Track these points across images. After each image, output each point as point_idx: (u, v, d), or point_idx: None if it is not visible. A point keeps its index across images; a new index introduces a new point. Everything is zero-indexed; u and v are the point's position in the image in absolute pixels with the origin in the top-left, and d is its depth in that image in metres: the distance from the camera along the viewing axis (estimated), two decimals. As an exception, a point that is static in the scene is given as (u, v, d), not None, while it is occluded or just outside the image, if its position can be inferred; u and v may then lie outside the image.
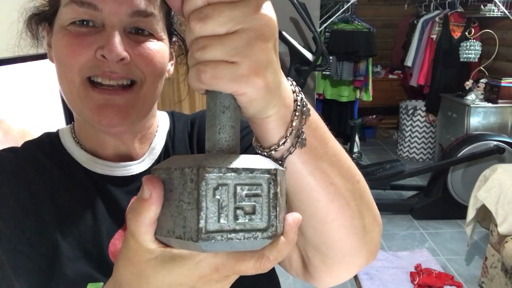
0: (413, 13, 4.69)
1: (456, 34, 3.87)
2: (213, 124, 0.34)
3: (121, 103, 0.47)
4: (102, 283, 0.44)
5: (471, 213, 2.30)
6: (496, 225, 2.07)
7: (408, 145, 4.39)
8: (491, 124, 3.37)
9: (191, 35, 0.31)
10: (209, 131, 0.34)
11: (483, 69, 3.60)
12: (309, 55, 2.78)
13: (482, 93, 3.48)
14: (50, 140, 0.55)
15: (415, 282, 2.18)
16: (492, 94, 3.38)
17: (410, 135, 4.35)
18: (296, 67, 2.82)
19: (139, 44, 0.47)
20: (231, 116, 0.34)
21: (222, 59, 0.30)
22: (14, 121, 1.37)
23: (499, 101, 3.33)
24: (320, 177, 0.40)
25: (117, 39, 0.45)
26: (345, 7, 3.78)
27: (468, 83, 3.56)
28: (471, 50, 3.52)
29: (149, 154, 0.57)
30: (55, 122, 1.66)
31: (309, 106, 0.39)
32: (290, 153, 0.38)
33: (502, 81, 3.30)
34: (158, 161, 0.56)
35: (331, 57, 3.60)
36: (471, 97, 3.48)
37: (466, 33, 3.70)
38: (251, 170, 0.31)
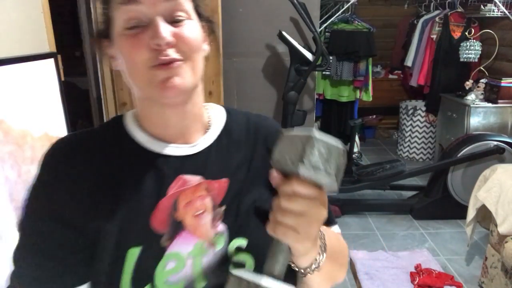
0: (413, 13, 4.69)
1: (456, 34, 3.87)
2: (275, 257, 0.52)
3: (180, 72, 0.56)
4: (141, 247, 0.54)
5: (471, 213, 2.30)
6: (496, 225, 2.07)
7: (408, 145, 4.39)
8: (491, 124, 3.37)
9: (278, 203, 0.49)
10: (269, 260, 0.52)
11: (483, 69, 3.60)
12: (309, 55, 2.78)
13: (482, 93, 3.48)
14: (116, 123, 0.65)
15: (415, 282, 2.18)
16: (492, 94, 3.38)
17: (410, 135, 4.35)
18: (296, 67, 2.82)
19: (178, 28, 0.56)
20: (286, 256, 0.53)
21: (291, 226, 0.49)
22: (14, 121, 1.37)
23: (499, 101, 3.33)
24: (326, 278, 0.62)
25: (162, 27, 0.53)
26: (345, 7, 3.77)
27: (468, 83, 3.56)
28: (471, 50, 3.52)
29: (202, 140, 0.64)
30: (55, 122, 1.66)
31: (326, 242, 0.59)
32: (310, 273, 0.57)
33: (502, 81, 3.30)
34: (209, 148, 0.64)
35: (331, 57, 3.60)
36: (471, 97, 3.48)
37: (466, 33, 3.70)
38: None
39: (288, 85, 2.82)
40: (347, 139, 3.99)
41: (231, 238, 0.60)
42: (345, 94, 4.04)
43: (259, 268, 0.55)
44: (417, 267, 2.31)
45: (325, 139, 0.50)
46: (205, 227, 0.59)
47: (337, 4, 3.93)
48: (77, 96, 4.39)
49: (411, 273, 2.27)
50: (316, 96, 3.66)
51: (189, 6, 0.58)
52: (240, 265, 0.59)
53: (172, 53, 0.55)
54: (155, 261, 0.55)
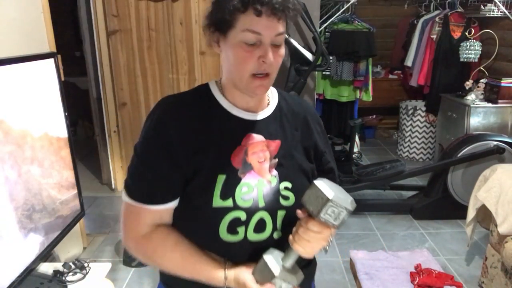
0: (413, 13, 4.69)
1: (456, 34, 3.87)
2: (288, 255, 0.80)
3: (266, 84, 0.82)
4: (225, 175, 0.81)
5: (471, 213, 2.30)
6: (496, 225, 2.07)
7: (408, 145, 4.39)
8: (491, 124, 3.37)
9: (297, 230, 0.78)
10: (285, 256, 0.80)
11: (483, 69, 3.60)
12: (309, 55, 2.78)
13: (482, 93, 3.48)
14: (205, 90, 0.89)
15: (415, 282, 2.18)
16: (492, 94, 3.38)
17: (410, 135, 4.35)
18: (296, 67, 2.82)
19: (275, 53, 0.80)
20: (295, 257, 0.80)
21: (302, 244, 0.78)
22: (14, 121, 1.37)
23: (499, 101, 3.33)
24: None
25: (270, 52, 0.78)
26: (345, 7, 3.78)
27: (468, 83, 3.56)
28: (471, 50, 3.52)
29: (264, 112, 0.89)
30: (55, 122, 1.65)
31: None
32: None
33: (502, 81, 3.30)
34: (268, 118, 0.89)
35: (331, 57, 3.60)
36: (471, 97, 3.48)
37: (466, 33, 3.70)
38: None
39: (288, 85, 2.82)
40: (347, 139, 4.00)
41: (280, 180, 0.86)
42: (345, 94, 4.04)
43: (297, 202, 0.82)
44: (417, 267, 2.31)
45: (340, 201, 0.73)
46: (265, 170, 0.86)
47: (337, 4, 3.93)
48: (77, 96, 4.40)
49: (411, 273, 2.27)
50: (316, 96, 3.67)
51: (284, 36, 0.81)
52: (284, 204, 0.86)
53: (267, 69, 0.80)
54: (235, 184, 0.82)
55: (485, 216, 2.36)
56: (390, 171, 3.03)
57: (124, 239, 0.85)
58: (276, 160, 0.86)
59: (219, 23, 0.80)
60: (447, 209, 3.03)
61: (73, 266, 1.71)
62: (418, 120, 4.26)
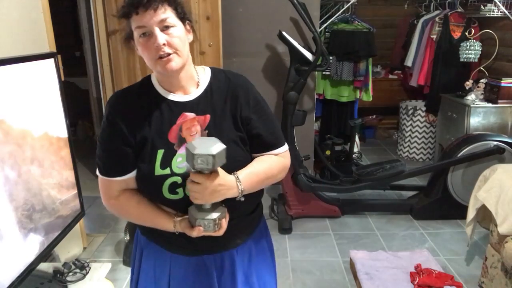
0: (413, 13, 4.68)
1: (456, 34, 3.87)
2: (206, 208, 0.98)
3: (172, 59, 0.98)
4: (164, 149, 1.00)
5: (471, 213, 2.30)
6: (496, 225, 2.07)
7: (408, 145, 4.39)
8: (491, 124, 3.37)
9: (188, 184, 0.96)
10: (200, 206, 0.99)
11: (483, 69, 3.60)
12: (309, 55, 2.77)
13: (482, 93, 3.48)
14: (147, 81, 1.08)
15: (415, 282, 2.18)
16: (492, 94, 3.38)
17: (410, 135, 4.35)
18: (296, 67, 2.82)
19: (168, 34, 0.97)
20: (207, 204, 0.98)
21: (193, 195, 0.95)
22: (14, 121, 1.37)
23: (499, 101, 3.32)
24: (260, 187, 1.10)
25: (159, 36, 0.96)
26: (345, 7, 3.77)
27: (468, 83, 3.55)
28: (471, 50, 3.52)
29: (195, 92, 1.07)
30: (55, 122, 1.65)
31: (243, 183, 1.00)
32: (241, 199, 1.03)
33: (502, 81, 3.29)
34: (199, 97, 1.06)
35: (331, 57, 3.60)
36: (471, 97, 3.48)
37: (466, 33, 3.70)
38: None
39: (288, 85, 2.82)
40: (347, 139, 4.00)
41: None
42: (345, 94, 4.03)
43: (225, 167, 0.98)
44: (417, 267, 2.31)
45: (203, 151, 0.89)
46: None
47: (337, 4, 3.92)
48: (77, 96, 4.40)
49: (411, 273, 2.27)
50: (316, 96, 3.67)
51: (173, 19, 0.98)
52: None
53: (167, 50, 0.97)
54: (171, 156, 1.00)
55: (485, 216, 2.36)
56: (390, 171, 3.03)
57: (104, 204, 1.09)
58: (206, 131, 1.03)
59: (127, 33, 1.02)
60: (447, 209, 3.03)
61: (73, 266, 1.71)
62: (418, 120, 4.26)
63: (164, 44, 0.95)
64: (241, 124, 1.06)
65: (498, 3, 3.40)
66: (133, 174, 1.04)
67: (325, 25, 3.80)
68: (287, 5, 2.70)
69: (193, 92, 1.06)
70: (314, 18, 2.86)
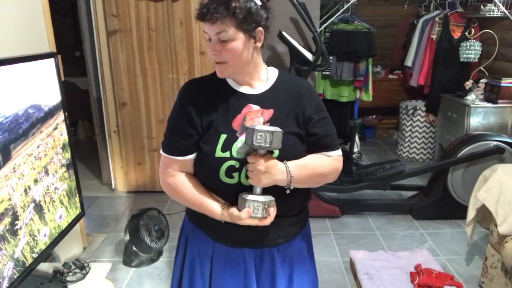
0: (413, 13, 4.68)
1: (456, 34, 3.87)
2: (256, 193, 1.06)
3: (222, 69, 1.09)
4: (227, 134, 1.07)
5: (471, 213, 2.30)
6: (496, 225, 2.07)
7: (408, 145, 4.39)
8: (491, 124, 3.37)
9: (247, 167, 1.05)
10: (251, 191, 1.07)
11: (483, 69, 3.60)
12: (309, 55, 2.77)
13: (482, 93, 3.48)
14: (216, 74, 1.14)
15: (415, 282, 2.18)
16: (492, 94, 3.38)
17: (410, 135, 4.35)
18: (296, 67, 2.82)
19: (222, 45, 1.05)
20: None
21: (251, 176, 1.04)
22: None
23: (499, 101, 3.33)
24: (310, 184, 1.16)
25: (212, 45, 1.05)
26: (345, 7, 3.77)
27: (468, 83, 3.55)
28: (471, 50, 3.52)
29: (261, 87, 1.14)
30: (55, 121, 1.65)
31: (292, 172, 1.06)
32: (290, 187, 1.08)
33: (502, 81, 3.29)
34: (265, 92, 1.13)
35: (331, 57, 3.60)
36: (471, 97, 3.48)
37: (466, 33, 3.70)
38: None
39: (288, 85, 2.81)
40: (347, 139, 4.00)
41: None
42: (345, 94, 4.03)
43: (280, 155, 1.07)
44: (417, 267, 2.31)
45: (263, 128, 0.99)
46: None
47: (337, 4, 3.93)
48: (77, 96, 4.40)
49: (411, 273, 2.27)
50: (316, 96, 3.66)
51: (230, 32, 1.03)
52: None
53: (219, 58, 1.06)
54: (233, 141, 1.07)
55: (485, 216, 2.37)
56: (390, 171, 3.03)
57: (161, 182, 1.17)
58: (268, 124, 1.09)
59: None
60: (447, 209, 3.03)
61: (73, 266, 1.71)
62: (418, 120, 4.26)
63: (216, 53, 1.05)
64: (302, 123, 1.13)
65: (498, 3, 3.40)
66: (193, 156, 1.12)
67: (325, 25, 3.80)
68: (287, 5, 2.70)
69: (259, 87, 1.14)
70: (314, 18, 2.86)
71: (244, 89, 1.13)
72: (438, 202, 3.04)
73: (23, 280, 1.41)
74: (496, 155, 2.84)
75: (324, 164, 1.14)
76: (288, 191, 1.07)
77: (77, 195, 1.82)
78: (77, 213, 1.82)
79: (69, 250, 2.50)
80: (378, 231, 2.93)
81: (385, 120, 5.06)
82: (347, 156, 3.77)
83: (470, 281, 2.32)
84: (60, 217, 1.68)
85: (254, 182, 1.03)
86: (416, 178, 3.69)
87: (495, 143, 2.87)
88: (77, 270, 1.70)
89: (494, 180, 2.17)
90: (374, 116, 4.41)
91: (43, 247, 1.55)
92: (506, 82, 3.29)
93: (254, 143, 0.98)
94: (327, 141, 1.16)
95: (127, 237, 2.46)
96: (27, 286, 1.52)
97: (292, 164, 1.07)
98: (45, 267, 1.73)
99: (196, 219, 1.19)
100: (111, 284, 1.78)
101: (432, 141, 4.30)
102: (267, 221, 1.05)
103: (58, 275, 1.66)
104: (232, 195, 1.08)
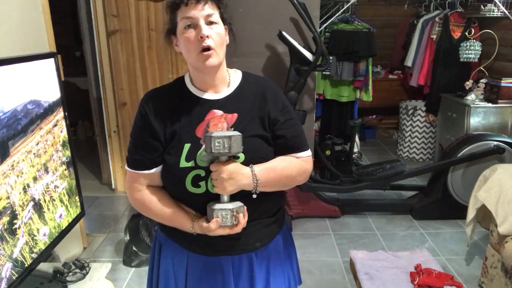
0: (413, 13, 4.69)
1: (456, 34, 3.87)
2: (224, 201, 1.03)
3: (212, 55, 1.03)
4: (190, 143, 1.04)
5: (471, 213, 2.30)
6: (496, 225, 2.07)
7: (408, 145, 4.39)
8: (491, 124, 3.37)
9: (211, 175, 1.02)
10: (219, 199, 1.04)
11: (483, 69, 3.60)
12: (309, 55, 2.77)
13: (482, 93, 3.48)
14: (179, 80, 1.14)
15: (415, 282, 2.18)
16: (492, 94, 3.38)
17: (410, 135, 4.35)
18: (296, 67, 2.81)
19: (211, 29, 1.02)
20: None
21: (215, 184, 1.01)
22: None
23: (499, 101, 3.32)
24: (278, 187, 1.13)
25: (204, 27, 1.01)
26: (345, 7, 3.77)
27: (468, 83, 3.55)
28: (471, 50, 3.52)
29: (225, 92, 1.11)
30: (55, 121, 1.65)
31: (258, 176, 1.03)
32: (256, 192, 1.05)
33: (502, 81, 3.29)
34: (228, 96, 1.11)
35: (331, 57, 3.60)
36: (471, 97, 3.48)
37: (466, 33, 3.70)
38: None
39: (288, 85, 2.81)
40: (347, 139, 3.99)
41: None
42: (345, 94, 4.03)
43: (246, 160, 1.04)
44: (417, 267, 2.31)
45: (220, 134, 0.96)
46: None
47: (337, 4, 3.92)
48: (77, 96, 4.39)
49: (411, 273, 2.27)
50: (316, 96, 3.66)
51: (217, 17, 1.04)
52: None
53: (209, 43, 1.00)
54: (197, 150, 1.04)
55: (485, 216, 2.36)
56: (390, 171, 3.03)
57: (129, 198, 1.15)
58: (232, 129, 1.06)
59: (170, 26, 1.08)
60: (447, 209, 3.03)
61: (73, 266, 1.71)
62: (418, 120, 4.26)
63: (207, 37, 1.00)
64: (267, 125, 1.10)
65: (498, 3, 3.40)
66: (158, 169, 1.09)
67: (325, 25, 3.80)
68: (287, 5, 2.69)
69: (223, 92, 1.11)
70: (314, 18, 2.85)
71: (207, 95, 1.10)
72: (438, 202, 3.04)
73: (23, 280, 1.41)
74: (496, 155, 2.84)
75: (292, 166, 1.11)
76: (254, 196, 1.04)
77: (77, 194, 1.82)
78: (78, 212, 1.82)
79: (69, 250, 2.50)
80: (378, 231, 2.93)
81: (385, 120, 5.06)
82: (347, 156, 3.77)
83: (470, 281, 2.32)
84: (60, 216, 1.68)
85: (219, 191, 1.00)
86: (416, 178, 3.69)
87: (495, 143, 2.87)
88: (77, 270, 1.70)
89: (494, 180, 2.17)
90: (374, 116, 4.42)
91: (43, 247, 1.54)
92: (506, 82, 3.29)
93: (213, 151, 0.95)
94: (295, 142, 1.13)
95: (127, 237, 2.46)
96: (27, 286, 1.52)
97: (259, 167, 1.04)
98: (45, 267, 1.73)
99: (168, 230, 1.15)
100: (111, 284, 1.78)
101: (432, 141, 4.30)
102: (238, 228, 1.02)
103: (58, 275, 1.65)
104: (201, 205, 1.05)
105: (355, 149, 3.94)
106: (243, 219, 1.02)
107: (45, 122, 1.58)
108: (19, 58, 1.46)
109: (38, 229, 1.51)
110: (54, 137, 1.64)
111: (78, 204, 1.83)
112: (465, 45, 3.55)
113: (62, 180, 1.70)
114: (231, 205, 1.01)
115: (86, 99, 3.75)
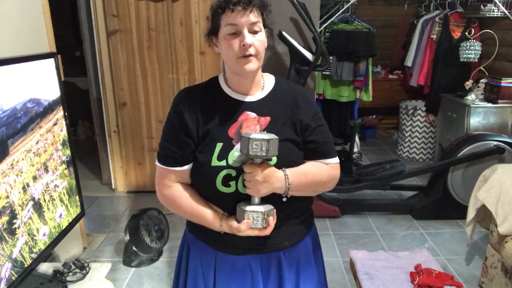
0: (413, 13, 4.69)
1: (456, 34, 3.87)
2: (255, 203, 1.03)
3: (252, 61, 1.04)
4: (223, 143, 1.06)
5: (471, 213, 2.30)
6: (496, 225, 2.06)
7: (408, 145, 4.39)
8: (491, 124, 3.37)
9: (244, 177, 1.02)
10: (250, 201, 1.04)
11: (483, 69, 3.60)
12: (309, 55, 2.77)
13: (482, 93, 3.48)
14: (214, 81, 1.15)
15: (415, 282, 2.18)
16: (492, 94, 3.38)
17: (410, 135, 4.35)
18: (296, 67, 2.82)
19: (254, 37, 1.03)
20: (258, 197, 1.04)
21: (248, 186, 1.02)
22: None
23: (499, 101, 3.32)
24: (307, 192, 1.15)
25: (247, 36, 1.01)
26: (345, 7, 3.77)
27: (468, 83, 3.55)
28: (471, 50, 3.52)
29: (259, 95, 1.13)
30: (55, 121, 1.65)
31: (290, 179, 1.04)
32: (287, 195, 1.06)
33: (502, 81, 3.29)
34: (262, 99, 1.12)
35: (331, 57, 3.60)
36: (471, 97, 3.48)
37: (466, 33, 3.70)
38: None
39: (288, 85, 2.81)
40: (347, 139, 3.99)
41: None
42: (345, 94, 4.03)
43: (278, 163, 1.05)
44: (417, 267, 2.31)
45: (259, 136, 0.95)
46: None
47: (337, 4, 3.93)
48: (77, 96, 4.40)
49: (411, 273, 2.27)
50: (316, 96, 3.67)
51: (261, 22, 1.04)
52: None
53: (250, 51, 1.02)
54: (229, 150, 1.06)
55: (485, 216, 2.36)
56: (390, 171, 3.03)
57: (157, 194, 1.15)
58: (265, 131, 1.08)
59: (213, 28, 1.07)
60: (447, 209, 3.03)
61: (73, 266, 1.71)
62: (418, 120, 4.26)
63: (250, 45, 1.01)
64: (299, 130, 1.11)
65: (498, 3, 3.40)
66: (189, 166, 1.10)
67: (325, 25, 3.80)
68: (287, 5, 2.69)
69: (257, 94, 1.12)
70: (314, 18, 2.86)
71: (241, 97, 1.11)
72: (438, 202, 3.04)
73: (23, 280, 1.41)
74: (496, 155, 2.84)
75: (322, 172, 1.13)
76: (284, 199, 1.05)
77: (77, 194, 1.82)
78: (78, 212, 1.82)
79: (69, 250, 2.50)
80: (378, 231, 2.93)
81: (385, 120, 5.06)
82: (347, 156, 3.77)
83: (470, 281, 2.32)
84: (60, 216, 1.68)
85: (252, 192, 1.01)
86: (416, 178, 3.69)
87: (495, 143, 2.87)
88: (77, 270, 1.70)
89: (494, 180, 2.17)
90: (374, 116, 4.41)
91: (43, 247, 1.54)
92: (506, 82, 3.29)
93: (250, 153, 0.95)
94: (325, 148, 1.14)
95: (127, 237, 2.46)
96: (27, 286, 1.52)
97: (291, 171, 1.05)
98: (45, 267, 1.73)
99: (196, 230, 1.16)
100: (111, 284, 1.78)
101: (432, 141, 4.30)
102: (267, 231, 1.03)
103: (58, 275, 1.65)
104: (230, 204, 1.06)
105: (355, 149, 3.94)
106: (272, 222, 1.03)
107: (45, 121, 1.58)
108: (19, 58, 1.46)
109: (38, 229, 1.51)
110: (54, 136, 1.64)
111: (78, 204, 1.83)
112: (465, 45, 3.55)
113: (62, 180, 1.70)
114: (262, 208, 1.01)
115: (86, 99, 3.75)
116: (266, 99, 1.12)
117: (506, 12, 3.41)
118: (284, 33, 2.74)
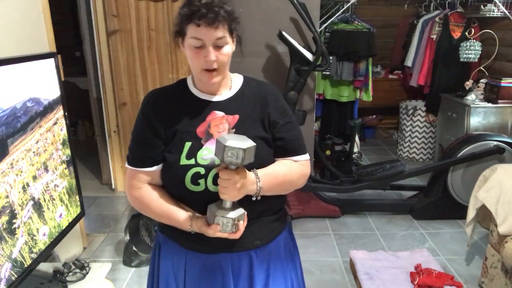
0: (413, 13, 4.69)
1: (456, 34, 3.87)
2: (227, 207, 1.01)
3: (215, 75, 1.06)
4: (191, 141, 1.07)
5: (471, 213, 2.30)
6: (496, 225, 2.07)
7: (408, 145, 4.39)
8: (491, 124, 3.37)
9: (219, 182, 0.99)
10: (221, 204, 1.02)
11: (483, 69, 3.60)
12: (309, 55, 2.77)
13: (482, 93, 3.48)
14: (182, 82, 1.17)
15: (415, 282, 2.18)
16: (492, 94, 3.38)
17: (410, 135, 4.35)
18: (296, 67, 2.81)
19: (219, 52, 1.04)
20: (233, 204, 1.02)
21: (221, 190, 0.99)
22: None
23: (499, 101, 3.33)
24: (278, 192, 1.14)
25: (212, 53, 1.02)
26: (345, 7, 3.77)
27: (468, 83, 3.55)
28: (471, 50, 3.52)
29: (226, 94, 1.14)
30: (55, 121, 1.65)
31: (262, 182, 1.05)
32: (258, 197, 1.07)
33: (502, 81, 3.29)
34: (229, 98, 1.13)
35: (331, 57, 3.60)
36: (471, 97, 3.48)
37: (466, 33, 3.70)
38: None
39: (288, 85, 2.81)
40: (347, 139, 3.99)
41: None
42: (345, 94, 4.04)
43: (250, 163, 1.00)
44: (417, 267, 2.31)
45: (235, 144, 0.92)
46: None
47: (337, 4, 3.93)
48: (77, 96, 4.40)
49: (411, 273, 2.27)
50: (316, 96, 3.66)
51: (226, 37, 1.03)
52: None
53: (213, 65, 1.03)
54: (197, 148, 1.07)
55: (485, 216, 2.36)
56: (390, 171, 3.03)
57: (127, 196, 1.15)
58: (233, 130, 1.10)
59: (179, 30, 1.07)
60: (447, 209, 3.03)
61: (73, 266, 1.71)
62: (418, 120, 4.26)
63: (213, 61, 1.02)
64: (268, 127, 1.12)
65: (498, 3, 3.40)
66: (159, 167, 1.10)
67: (325, 25, 3.80)
68: (287, 5, 2.69)
69: (224, 94, 1.14)
70: (314, 18, 2.85)
71: (208, 97, 1.12)
72: (438, 202, 3.04)
73: (23, 280, 1.41)
74: (496, 155, 2.84)
75: (292, 171, 1.13)
76: (254, 199, 1.05)
77: (77, 194, 1.82)
78: (78, 212, 1.82)
79: (69, 250, 2.50)
80: (378, 231, 2.93)
81: (385, 120, 5.06)
82: (347, 156, 3.77)
83: (470, 281, 2.32)
84: (60, 215, 1.67)
85: (227, 198, 0.99)
86: (416, 178, 3.68)
87: (495, 143, 2.87)
88: (77, 270, 1.70)
89: (494, 180, 2.17)
90: (374, 116, 4.42)
91: (43, 247, 1.54)
92: (506, 82, 3.29)
93: (225, 160, 0.94)
94: (295, 145, 1.15)
95: (127, 237, 2.46)
96: (27, 286, 1.52)
97: (262, 172, 1.06)
98: (45, 267, 1.73)
99: (167, 229, 1.15)
100: (111, 284, 1.78)
101: (432, 141, 4.30)
102: (237, 235, 1.03)
103: (58, 275, 1.65)
104: (200, 203, 1.06)
105: (355, 149, 3.94)
106: (242, 226, 1.03)
107: (45, 120, 1.58)
108: (19, 58, 1.46)
109: (37, 229, 1.51)
110: (54, 136, 1.64)
111: (78, 203, 1.83)
112: (465, 45, 3.55)
113: (62, 179, 1.70)
114: (233, 214, 1.00)
115: (86, 99, 3.75)
116: (233, 98, 1.13)
117: (506, 12, 3.41)
118: (284, 33, 2.73)
